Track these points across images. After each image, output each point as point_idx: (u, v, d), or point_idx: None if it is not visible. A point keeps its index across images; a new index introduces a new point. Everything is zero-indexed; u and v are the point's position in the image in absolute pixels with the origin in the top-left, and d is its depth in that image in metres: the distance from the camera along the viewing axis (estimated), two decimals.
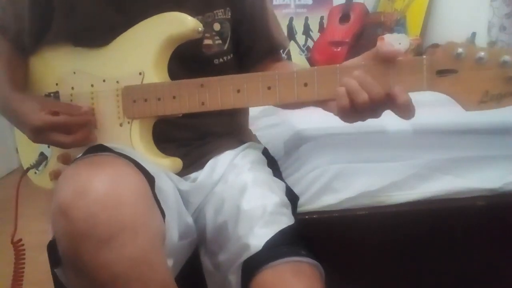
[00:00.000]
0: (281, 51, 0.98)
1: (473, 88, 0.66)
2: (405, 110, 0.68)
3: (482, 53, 0.65)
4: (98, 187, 0.60)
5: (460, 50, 0.66)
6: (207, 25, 0.87)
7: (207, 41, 0.87)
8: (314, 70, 0.72)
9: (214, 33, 0.87)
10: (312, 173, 0.99)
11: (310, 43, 2.22)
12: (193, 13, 0.81)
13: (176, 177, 0.84)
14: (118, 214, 0.58)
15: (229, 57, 0.92)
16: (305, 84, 0.72)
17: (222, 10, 0.88)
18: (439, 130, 1.06)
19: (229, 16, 0.89)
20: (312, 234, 0.80)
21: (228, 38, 0.89)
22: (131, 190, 0.62)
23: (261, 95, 0.74)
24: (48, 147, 0.92)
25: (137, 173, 0.67)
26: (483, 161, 1.02)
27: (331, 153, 1.01)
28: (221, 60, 0.91)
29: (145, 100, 0.81)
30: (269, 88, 0.73)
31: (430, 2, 1.90)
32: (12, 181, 0.85)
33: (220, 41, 0.88)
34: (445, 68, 0.67)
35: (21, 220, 0.87)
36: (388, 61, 0.69)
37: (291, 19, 2.22)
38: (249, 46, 0.93)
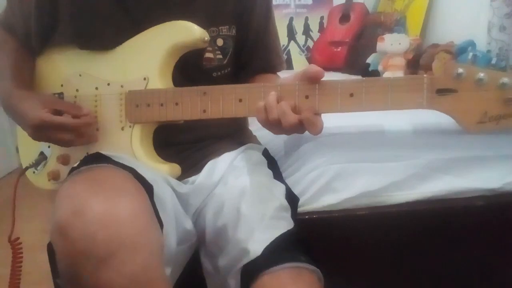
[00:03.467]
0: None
1: (472, 109, 0.68)
2: (312, 126, 0.71)
3: (481, 74, 0.66)
4: (95, 206, 0.60)
5: (460, 70, 0.67)
6: (211, 39, 0.88)
7: (208, 54, 0.89)
8: (316, 84, 0.73)
9: (216, 48, 0.89)
10: (312, 173, 0.99)
11: (310, 43, 2.22)
12: (199, 26, 0.82)
13: (175, 181, 0.84)
14: (116, 233, 0.58)
15: (227, 71, 0.93)
16: (307, 97, 0.73)
17: (227, 27, 0.89)
18: (439, 130, 1.06)
19: (234, 34, 0.90)
20: (312, 234, 0.80)
21: (229, 54, 0.90)
22: (129, 207, 0.62)
23: None
24: (48, 147, 0.92)
25: (135, 186, 0.67)
26: (483, 161, 1.02)
27: (331, 153, 1.01)
28: (219, 73, 0.92)
29: (148, 105, 0.81)
30: None
31: (430, 2, 1.90)
32: (12, 181, 0.85)
33: (220, 56, 0.90)
34: (445, 87, 0.69)
35: (20, 220, 0.87)
36: (312, 80, 0.72)
37: (291, 19, 2.23)
38: (246, 63, 0.96)
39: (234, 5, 0.89)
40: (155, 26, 0.82)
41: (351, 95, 0.72)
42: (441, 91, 0.69)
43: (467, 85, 0.68)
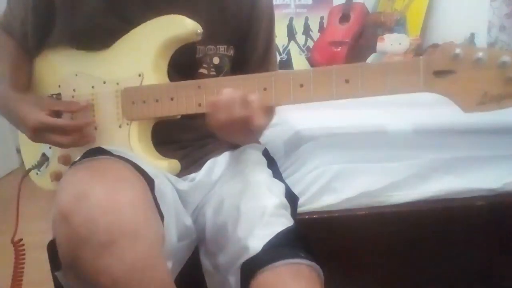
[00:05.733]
0: None
1: (472, 89, 0.65)
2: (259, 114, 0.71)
3: (480, 54, 0.64)
4: (98, 192, 0.60)
5: (458, 50, 0.65)
6: (207, 57, 0.88)
7: (202, 70, 0.89)
8: (310, 71, 0.72)
9: (211, 65, 0.89)
10: (312, 173, 0.99)
11: (310, 43, 2.22)
12: (197, 43, 0.84)
13: (174, 177, 0.84)
14: (118, 220, 0.59)
15: None
16: (301, 85, 0.72)
17: (225, 46, 0.89)
18: (439, 130, 1.06)
19: (231, 54, 0.90)
20: (312, 234, 0.80)
21: (223, 73, 0.91)
22: (131, 195, 0.62)
23: None
24: (50, 148, 0.92)
25: (137, 177, 0.67)
26: (483, 161, 1.02)
27: (331, 153, 1.01)
28: None
29: (144, 102, 0.81)
30: (265, 89, 0.74)
31: (430, 2, 1.90)
32: (12, 181, 0.86)
33: (214, 73, 0.90)
34: (442, 68, 0.66)
35: (21, 220, 0.87)
36: None
37: (291, 19, 2.22)
38: None
39: (236, 27, 0.89)
40: (147, 22, 0.82)
41: (347, 81, 0.70)
42: (439, 73, 0.66)
43: (466, 65, 0.65)
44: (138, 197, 0.63)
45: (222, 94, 0.73)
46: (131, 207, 0.61)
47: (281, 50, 2.19)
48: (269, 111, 0.75)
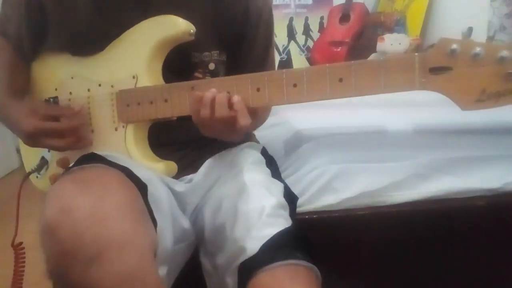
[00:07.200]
0: None
1: (469, 86, 0.63)
2: (243, 116, 0.71)
3: (478, 49, 0.61)
4: (83, 204, 0.59)
5: (454, 46, 0.62)
6: (204, 64, 0.88)
7: (198, 75, 0.89)
8: (304, 71, 0.71)
9: (207, 71, 0.89)
10: (312, 173, 0.99)
11: (310, 43, 2.22)
12: (192, 49, 0.84)
13: (171, 179, 0.84)
14: (104, 231, 0.58)
15: None
16: (295, 85, 0.71)
17: (218, 52, 0.89)
18: (439, 130, 1.06)
19: (224, 59, 0.90)
20: (312, 234, 0.80)
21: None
22: (117, 205, 0.62)
23: (251, 97, 0.73)
24: (49, 151, 0.92)
25: (125, 185, 0.66)
26: (483, 161, 1.02)
27: (331, 153, 1.01)
28: None
29: (138, 104, 0.80)
30: (258, 89, 0.73)
31: (430, 2, 1.90)
32: (12, 181, 0.86)
33: (209, 78, 0.89)
34: (438, 65, 0.64)
35: (20, 220, 0.87)
36: None
37: (291, 19, 2.22)
38: None
39: (230, 32, 0.88)
40: (140, 23, 0.81)
41: (340, 80, 0.68)
42: (435, 70, 0.64)
43: (463, 61, 0.62)
44: (125, 206, 0.62)
45: (208, 91, 0.73)
46: (117, 217, 0.60)
47: (281, 50, 2.19)
48: (254, 112, 0.74)
